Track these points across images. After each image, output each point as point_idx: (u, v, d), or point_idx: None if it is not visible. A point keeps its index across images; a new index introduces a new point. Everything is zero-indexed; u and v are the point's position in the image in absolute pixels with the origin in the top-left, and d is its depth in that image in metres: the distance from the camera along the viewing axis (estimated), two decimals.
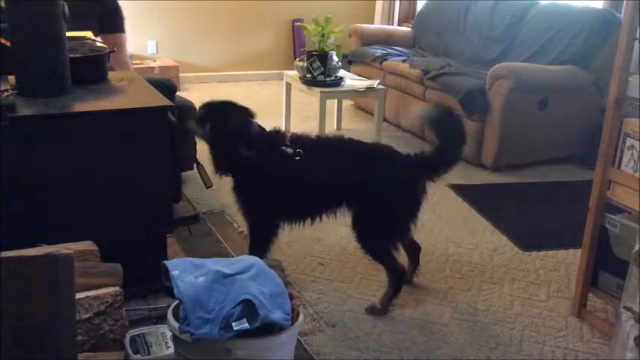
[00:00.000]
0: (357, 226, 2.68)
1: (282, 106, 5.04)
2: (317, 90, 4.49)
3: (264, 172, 2.67)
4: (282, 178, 2.66)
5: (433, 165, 2.64)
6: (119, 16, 4.62)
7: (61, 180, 2.38)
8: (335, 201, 2.72)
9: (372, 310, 2.69)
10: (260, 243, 2.80)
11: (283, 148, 2.67)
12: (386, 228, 2.69)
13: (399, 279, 2.70)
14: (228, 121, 2.69)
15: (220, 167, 2.73)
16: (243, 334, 1.82)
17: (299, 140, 2.72)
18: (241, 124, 2.69)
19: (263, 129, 2.76)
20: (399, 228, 2.71)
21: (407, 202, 2.67)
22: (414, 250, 2.93)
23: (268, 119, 3.09)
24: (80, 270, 1.95)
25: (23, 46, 2.46)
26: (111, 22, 4.57)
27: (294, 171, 2.65)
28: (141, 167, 2.52)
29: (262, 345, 1.87)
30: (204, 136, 2.73)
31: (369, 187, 2.63)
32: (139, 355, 2.13)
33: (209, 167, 2.80)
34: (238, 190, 2.75)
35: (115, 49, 4.68)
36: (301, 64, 4.70)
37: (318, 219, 2.79)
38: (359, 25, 6.12)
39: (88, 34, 3.83)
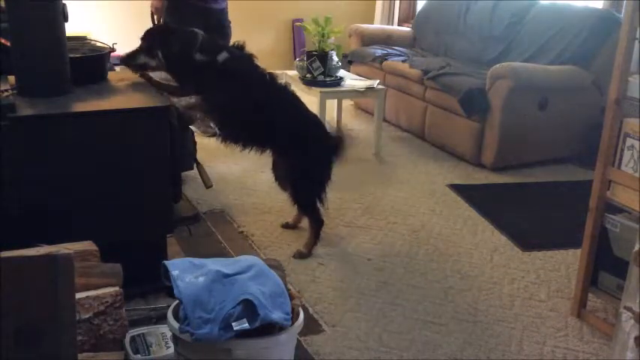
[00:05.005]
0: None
1: None
2: (317, 90, 4.48)
3: (222, 70, 2.89)
4: (241, 79, 2.91)
5: None
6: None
7: (61, 180, 2.38)
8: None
9: (300, 255, 3.08)
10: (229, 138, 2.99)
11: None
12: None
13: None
14: (177, 40, 2.88)
15: (184, 83, 2.91)
16: (243, 334, 1.83)
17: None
18: (188, 37, 2.91)
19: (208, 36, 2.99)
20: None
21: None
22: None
23: None
24: (80, 270, 1.95)
25: (23, 46, 2.45)
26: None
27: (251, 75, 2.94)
28: (141, 167, 2.52)
29: (262, 345, 1.87)
30: (158, 65, 2.87)
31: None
32: (139, 355, 2.12)
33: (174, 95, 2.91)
34: (204, 97, 2.89)
35: None
36: (301, 64, 4.70)
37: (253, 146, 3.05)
38: (359, 25, 6.12)
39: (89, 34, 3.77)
